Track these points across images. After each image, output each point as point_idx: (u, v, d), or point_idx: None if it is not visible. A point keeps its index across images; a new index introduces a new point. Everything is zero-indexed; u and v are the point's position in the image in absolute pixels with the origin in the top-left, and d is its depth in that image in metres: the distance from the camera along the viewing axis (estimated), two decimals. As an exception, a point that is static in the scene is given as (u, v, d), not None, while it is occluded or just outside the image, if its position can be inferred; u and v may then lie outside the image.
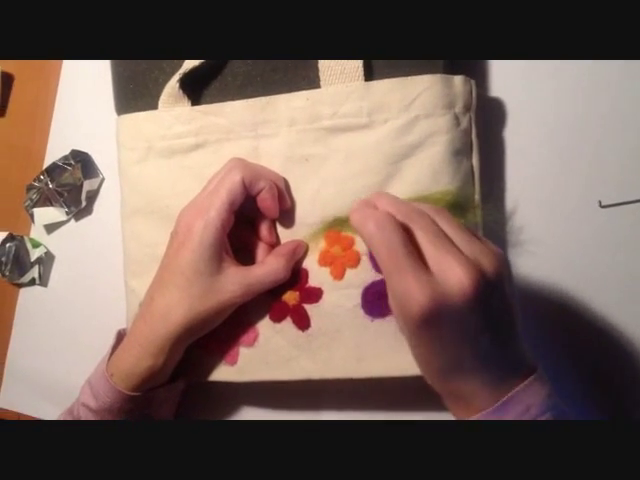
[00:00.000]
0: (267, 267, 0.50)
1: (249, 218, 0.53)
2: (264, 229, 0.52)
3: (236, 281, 0.49)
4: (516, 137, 0.55)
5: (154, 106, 0.55)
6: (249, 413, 0.60)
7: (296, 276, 0.52)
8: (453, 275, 0.38)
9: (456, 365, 0.41)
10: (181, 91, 0.53)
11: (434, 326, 0.39)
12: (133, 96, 0.56)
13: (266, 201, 0.50)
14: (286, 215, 0.52)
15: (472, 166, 0.51)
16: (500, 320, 0.40)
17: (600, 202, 0.53)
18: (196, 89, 0.54)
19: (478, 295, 0.38)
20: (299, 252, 0.52)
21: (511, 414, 0.41)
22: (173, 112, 0.54)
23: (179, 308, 0.49)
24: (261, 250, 0.53)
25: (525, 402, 0.41)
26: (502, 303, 0.41)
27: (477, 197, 0.51)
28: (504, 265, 0.41)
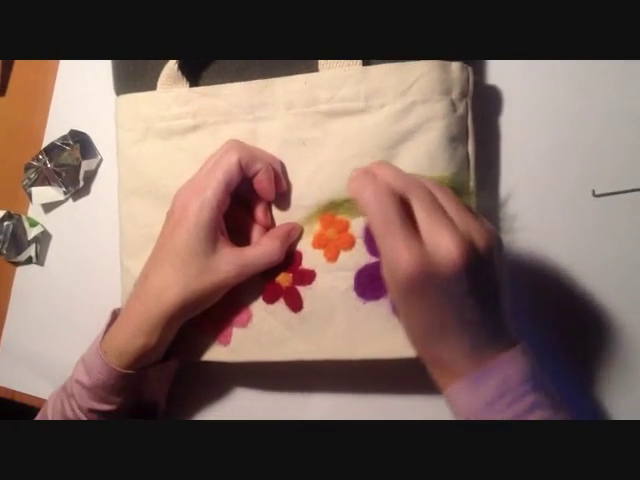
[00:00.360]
0: (262, 248, 0.50)
1: (245, 200, 0.53)
2: (259, 211, 0.52)
3: (231, 261, 0.49)
4: (512, 125, 0.55)
5: (153, 87, 0.55)
6: (241, 393, 0.60)
7: (290, 258, 0.52)
8: (443, 244, 0.40)
9: (439, 329, 0.42)
10: (180, 72, 0.53)
11: (420, 290, 0.40)
12: (132, 77, 0.56)
13: (262, 183, 0.51)
14: (282, 197, 0.53)
15: (468, 153, 0.51)
16: (485, 293, 0.42)
17: (593, 191, 0.53)
18: (195, 71, 0.54)
19: (465, 266, 0.40)
20: (294, 234, 0.52)
21: (492, 381, 0.42)
22: (171, 93, 0.54)
23: (173, 287, 0.49)
24: (256, 232, 0.53)
25: (505, 370, 0.42)
26: (489, 277, 0.42)
27: (472, 184, 0.51)
28: (496, 243, 0.42)
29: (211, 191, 0.49)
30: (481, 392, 0.42)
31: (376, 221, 0.41)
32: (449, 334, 0.42)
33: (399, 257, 0.40)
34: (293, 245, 0.52)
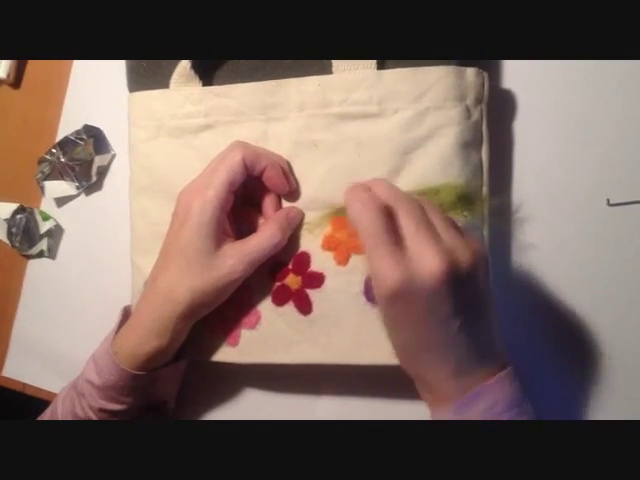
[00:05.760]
0: (261, 235, 0.50)
1: (256, 201, 0.53)
2: (270, 211, 0.52)
3: (234, 255, 0.49)
4: (527, 131, 0.54)
5: (166, 85, 0.55)
6: (250, 393, 0.60)
7: (299, 261, 0.52)
8: (426, 260, 0.40)
9: (422, 346, 0.43)
10: (192, 71, 0.53)
11: (402, 304, 0.41)
12: (145, 74, 0.56)
13: (272, 179, 0.50)
14: (293, 199, 0.53)
15: (481, 159, 0.50)
16: (470, 311, 0.42)
17: (608, 200, 0.53)
18: (208, 70, 0.54)
19: (447, 284, 0.40)
20: (293, 216, 0.52)
21: (478, 407, 0.42)
22: (184, 92, 0.54)
23: (180, 287, 0.49)
24: None
25: (492, 397, 0.42)
26: (473, 296, 0.42)
27: (485, 190, 0.50)
28: (481, 261, 0.42)
29: (214, 190, 0.49)
30: (467, 417, 0.42)
31: (364, 232, 0.41)
32: (433, 353, 0.42)
33: (383, 269, 0.40)
34: (302, 246, 0.52)
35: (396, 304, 0.41)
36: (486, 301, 0.43)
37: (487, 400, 0.42)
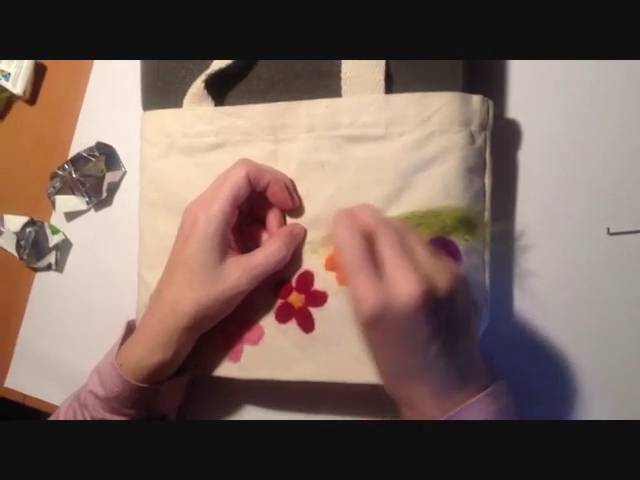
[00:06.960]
0: (266, 250, 0.51)
1: (261, 218, 0.54)
2: (275, 228, 0.53)
3: (239, 268, 0.50)
4: (529, 159, 0.56)
5: (179, 104, 0.56)
6: (249, 408, 0.61)
7: (303, 279, 0.52)
8: (403, 285, 0.40)
9: (403, 370, 0.43)
10: (205, 91, 0.55)
11: (380, 328, 0.42)
12: (160, 93, 0.58)
13: (276, 194, 0.51)
14: (298, 218, 0.53)
15: (484, 184, 0.51)
16: (449, 334, 0.42)
17: (608, 229, 0.53)
18: (220, 90, 0.55)
19: (424, 308, 0.40)
20: (297, 233, 0.52)
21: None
22: (197, 111, 0.55)
23: (186, 299, 0.50)
24: None
25: (472, 417, 0.42)
26: (453, 318, 0.42)
27: (487, 215, 0.51)
28: (460, 284, 0.43)
29: (218, 204, 0.49)
30: None
31: (344, 258, 0.43)
32: (412, 373, 0.43)
33: (362, 293, 0.41)
34: (306, 265, 0.53)
35: (375, 328, 0.42)
36: (466, 322, 0.44)
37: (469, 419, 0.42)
